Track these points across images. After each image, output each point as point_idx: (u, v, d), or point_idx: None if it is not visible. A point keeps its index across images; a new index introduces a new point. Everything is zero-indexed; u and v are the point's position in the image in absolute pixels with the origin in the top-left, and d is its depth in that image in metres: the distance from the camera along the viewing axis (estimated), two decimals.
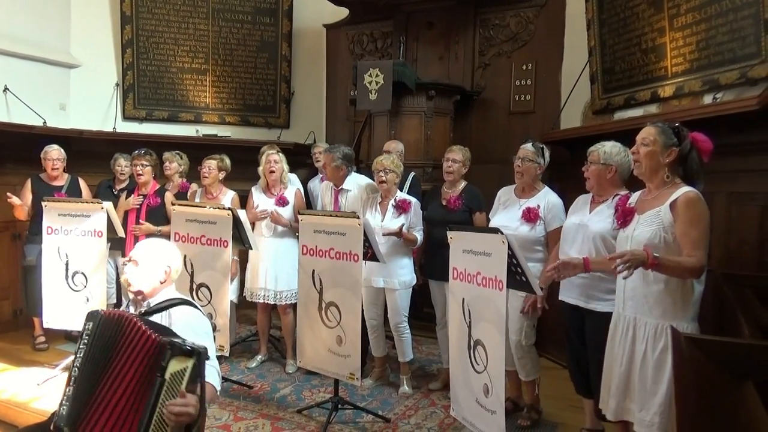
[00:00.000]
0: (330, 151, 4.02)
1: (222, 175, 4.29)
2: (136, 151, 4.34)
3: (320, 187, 4.45)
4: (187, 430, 1.82)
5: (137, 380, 1.87)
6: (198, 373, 1.85)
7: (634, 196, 2.45)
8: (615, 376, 2.38)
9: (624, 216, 2.38)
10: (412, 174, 4.20)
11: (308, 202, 4.52)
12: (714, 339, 1.49)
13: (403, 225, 3.61)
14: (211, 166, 4.20)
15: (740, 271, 3.00)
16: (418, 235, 3.68)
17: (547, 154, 3.29)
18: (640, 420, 2.25)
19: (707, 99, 3.49)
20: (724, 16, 3.38)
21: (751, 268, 3.09)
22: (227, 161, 4.32)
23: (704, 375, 1.26)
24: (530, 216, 3.19)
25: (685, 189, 2.23)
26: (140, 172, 4.27)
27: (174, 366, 1.82)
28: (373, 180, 3.88)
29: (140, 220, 4.24)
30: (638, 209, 2.36)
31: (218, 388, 2.09)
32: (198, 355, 1.86)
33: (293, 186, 4.27)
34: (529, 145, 3.28)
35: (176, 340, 1.88)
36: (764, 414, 1.19)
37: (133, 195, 4.31)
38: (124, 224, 4.22)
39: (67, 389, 1.98)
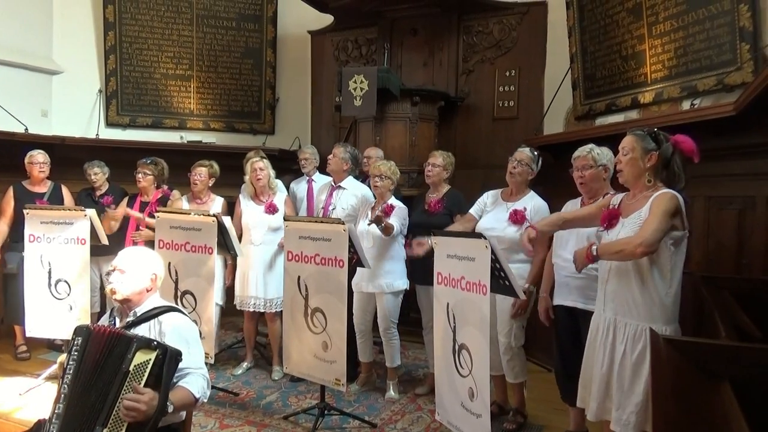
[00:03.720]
0: (341, 144, 4.16)
1: (212, 182, 4.30)
2: (142, 160, 4.40)
3: (307, 187, 4.59)
4: (141, 427, 1.82)
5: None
6: (160, 369, 1.89)
7: (617, 198, 2.49)
8: (596, 377, 2.41)
9: (609, 219, 2.42)
10: None
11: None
12: (690, 340, 1.53)
13: (379, 215, 3.52)
14: (202, 173, 4.21)
15: (719, 273, 3.06)
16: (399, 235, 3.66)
17: (539, 163, 3.34)
18: (617, 419, 2.28)
19: (686, 105, 3.56)
20: (701, 24, 3.45)
21: (729, 271, 3.16)
22: (216, 167, 4.33)
23: (681, 375, 1.29)
24: (517, 218, 3.23)
25: (664, 190, 2.27)
26: (140, 179, 4.34)
27: (138, 358, 1.89)
28: (370, 187, 3.91)
29: (140, 227, 4.24)
30: (622, 212, 2.40)
31: (199, 395, 2.06)
32: (162, 349, 1.91)
33: (282, 193, 4.28)
34: (527, 150, 3.33)
35: (143, 336, 1.97)
36: (739, 413, 1.22)
37: (124, 204, 4.35)
38: (125, 231, 4.25)
39: (57, 407, 1.94)
